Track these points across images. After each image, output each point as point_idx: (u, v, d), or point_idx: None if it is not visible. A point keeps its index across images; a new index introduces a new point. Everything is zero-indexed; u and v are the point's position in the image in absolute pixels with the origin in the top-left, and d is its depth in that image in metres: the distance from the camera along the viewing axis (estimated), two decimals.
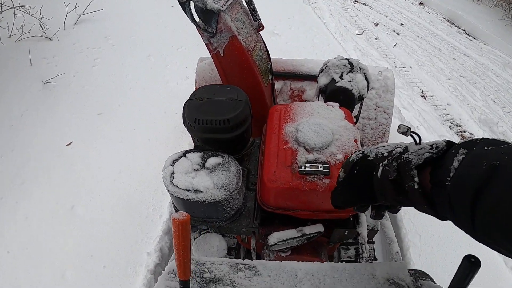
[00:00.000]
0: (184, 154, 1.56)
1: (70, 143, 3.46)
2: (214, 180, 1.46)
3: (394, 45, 6.12)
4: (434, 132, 3.98)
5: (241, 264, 1.09)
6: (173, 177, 1.47)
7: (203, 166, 1.52)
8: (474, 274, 0.77)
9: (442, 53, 6.19)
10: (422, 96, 4.76)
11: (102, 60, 4.73)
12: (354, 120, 1.86)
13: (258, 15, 2.09)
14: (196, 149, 1.65)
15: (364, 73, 2.08)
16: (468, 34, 7.23)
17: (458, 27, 7.53)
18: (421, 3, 8.41)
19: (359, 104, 2.22)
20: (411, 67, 5.49)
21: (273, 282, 1.02)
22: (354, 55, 5.54)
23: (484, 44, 6.93)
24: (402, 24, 7.18)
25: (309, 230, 1.60)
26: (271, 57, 2.48)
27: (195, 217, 1.60)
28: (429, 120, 4.20)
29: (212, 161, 1.52)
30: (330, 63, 2.11)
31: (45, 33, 5.06)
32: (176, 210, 1.67)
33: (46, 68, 4.48)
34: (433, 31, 7.09)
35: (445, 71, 5.52)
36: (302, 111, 1.73)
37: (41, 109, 3.86)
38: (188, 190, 1.44)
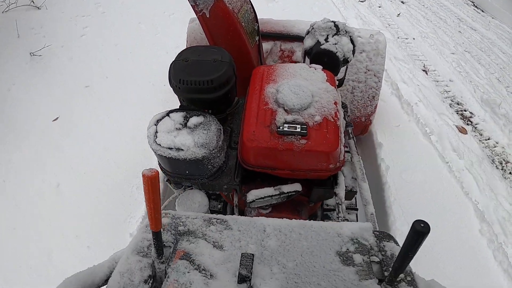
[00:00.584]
0: (168, 114, 1.62)
1: (57, 119, 3.41)
2: (195, 139, 1.52)
3: (398, 15, 5.80)
4: (433, 110, 3.76)
5: (214, 218, 1.15)
6: (156, 136, 1.55)
7: (185, 125, 1.58)
8: (423, 239, 0.78)
9: (448, 25, 5.88)
10: (424, 70, 4.49)
11: (91, 29, 4.55)
12: (337, 83, 1.90)
13: None
14: (180, 109, 1.69)
15: (350, 36, 2.09)
16: (476, 6, 6.89)
17: None
18: None
19: (345, 67, 2.23)
20: (414, 38, 5.20)
21: (242, 236, 1.08)
22: (355, 23, 5.23)
23: (492, 18, 6.61)
24: None
25: (287, 188, 1.69)
26: (263, 19, 2.46)
27: (178, 174, 1.69)
28: (429, 96, 3.96)
29: (193, 120, 1.58)
30: (316, 25, 2.12)
31: (33, 2, 4.85)
32: (161, 168, 1.76)
33: (34, 39, 4.33)
34: (440, 1, 6.75)
35: (449, 44, 5.24)
36: (284, 72, 1.77)
37: (28, 84, 3.77)
38: (170, 149, 1.52)
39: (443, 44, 5.20)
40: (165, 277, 0.98)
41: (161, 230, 0.94)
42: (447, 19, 6.09)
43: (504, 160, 3.47)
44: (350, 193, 1.95)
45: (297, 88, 1.63)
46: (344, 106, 2.32)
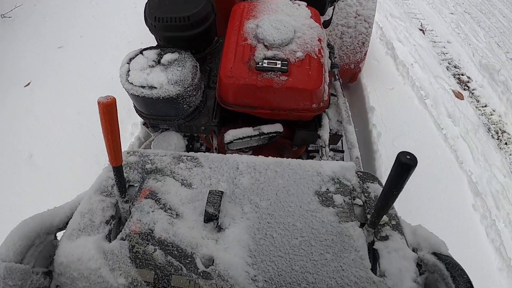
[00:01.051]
0: (141, 51, 1.56)
1: (29, 84, 3.18)
2: (168, 76, 1.46)
3: None
4: (429, 72, 3.49)
5: (184, 156, 1.09)
6: (128, 75, 1.48)
7: (158, 62, 1.52)
8: (408, 173, 0.70)
9: None
10: (421, 29, 4.19)
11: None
12: (322, 20, 1.81)
13: None
14: (155, 46, 1.62)
15: None
16: None
17: None
18: None
19: (332, 7, 2.13)
20: None
21: (212, 174, 1.03)
22: None
23: None
24: None
25: (267, 129, 1.63)
26: None
27: (153, 115, 1.62)
28: (426, 57, 3.68)
29: (167, 57, 1.52)
30: None
31: None
32: (136, 110, 1.69)
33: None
34: None
35: (448, 4, 4.92)
36: (266, 8, 1.68)
37: None
38: (143, 87, 1.46)
39: (442, 3, 4.88)
40: (129, 217, 0.94)
41: (122, 165, 0.88)
42: None
43: (500, 129, 3.26)
44: (335, 137, 1.88)
45: (278, 23, 1.55)
46: (330, 47, 2.23)
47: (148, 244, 0.88)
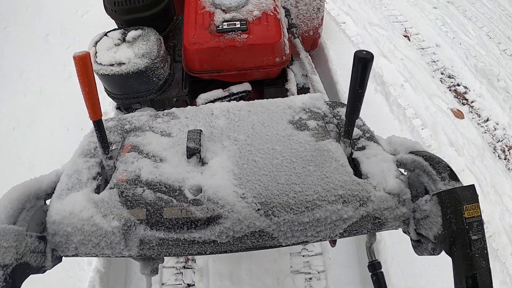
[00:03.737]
0: (105, 34, 1.69)
1: None
2: (135, 51, 1.59)
3: None
4: (422, 91, 3.36)
5: (160, 113, 1.21)
6: (96, 56, 1.59)
7: (123, 40, 1.65)
8: (367, 67, 0.78)
9: None
10: (405, 36, 4.03)
11: None
12: None
13: None
14: (117, 28, 1.75)
15: None
16: None
17: None
18: None
19: None
20: None
21: (189, 122, 1.15)
22: None
23: None
24: None
25: (236, 88, 1.77)
26: None
27: (125, 94, 1.73)
28: (416, 73, 3.54)
29: (132, 34, 1.65)
30: None
31: None
32: (108, 94, 1.80)
33: None
34: None
35: None
36: None
37: None
38: (112, 65, 1.57)
39: None
40: (114, 171, 1.01)
41: (102, 119, 0.93)
42: None
43: (506, 145, 3.16)
44: (303, 90, 2.01)
45: None
46: (286, 10, 2.40)
47: (136, 187, 0.95)
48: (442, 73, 3.68)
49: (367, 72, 0.79)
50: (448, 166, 0.87)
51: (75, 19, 4.06)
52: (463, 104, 3.42)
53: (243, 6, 1.69)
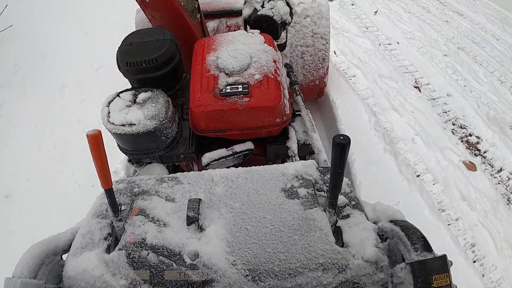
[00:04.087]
0: (118, 94, 1.81)
1: None
2: (145, 112, 1.71)
3: (375, 12, 5.42)
4: (434, 145, 3.44)
5: (166, 177, 1.32)
6: (109, 116, 1.72)
7: (134, 102, 1.77)
8: (345, 151, 0.89)
9: (432, 15, 5.57)
10: (416, 87, 4.16)
11: (8, 107, 4.05)
12: (277, 43, 2.11)
13: None
14: (129, 89, 1.87)
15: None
16: None
17: None
18: None
19: (285, 30, 2.42)
20: (398, 42, 4.86)
21: (191, 188, 1.26)
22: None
23: None
24: None
25: (239, 148, 1.86)
26: None
27: (136, 150, 1.86)
28: (427, 126, 3.64)
29: (142, 96, 1.77)
30: None
31: None
32: (121, 149, 1.93)
33: None
34: None
35: (439, 43, 4.91)
36: (224, 41, 1.97)
37: None
38: (123, 125, 1.68)
39: (432, 43, 4.87)
40: (123, 233, 1.13)
41: (113, 187, 1.05)
42: (430, 6, 5.80)
43: None
44: (304, 146, 2.11)
45: (236, 52, 1.83)
46: (288, 66, 2.55)
47: (142, 250, 1.07)
48: (453, 124, 3.79)
49: (345, 154, 0.90)
50: (422, 237, 0.96)
51: (90, 73, 4.34)
52: (475, 155, 3.50)
53: (245, 70, 1.78)
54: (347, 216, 1.14)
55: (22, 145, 3.61)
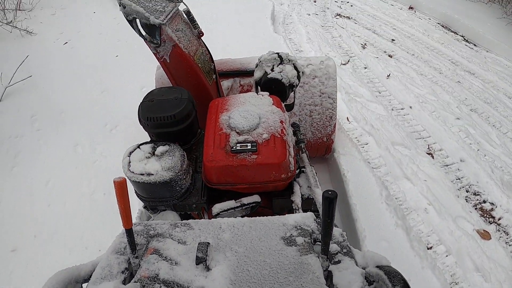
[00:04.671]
0: (138, 146, 2.03)
1: None
2: (162, 164, 1.91)
3: (388, 76, 5.70)
4: (447, 214, 3.58)
5: (179, 223, 1.49)
6: (130, 165, 1.93)
7: (153, 154, 1.99)
8: (333, 204, 1.06)
9: (444, 76, 5.80)
10: (429, 153, 4.32)
11: (23, 157, 4.33)
12: (284, 105, 2.32)
13: (197, 23, 2.64)
14: (149, 141, 2.09)
15: (293, 63, 2.59)
16: (467, 41, 6.90)
17: (455, 32, 7.19)
18: (411, 7, 7.97)
19: (293, 91, 2.69)
20: (411, 107, 5.08)
21: (201, 233, 1.42)
22: (339, 97, 5.02)
23: (487, 52, 6.62)
24: (393, 40, 6.79)
25: (247, 200, 2.04)
26: (222, 59, 3.46)
27: (152, 198, 2.06)
28: (440, 194, 3.79)
29: (160, 149, 1.99)
30: (262, 58, 2.63)
31: None
32: (138, 195, 2.13)
33: None
34: (429, 44, 6.72)
35: (451, 105, 5.12)
36: (236, 101, 2.20)
37: None
38: (142, 174, 1.89)
39: (444, 107, 5.08)
40: (138, 268, 1.28)
41: (132, 228, 1.22)
42: (442, 67, 6.02)
43: None
44: (308, 201, 2.27)
45: (246, 113, 2.05)
46: (295, 125, 2.79)
47: (155, 283, 1.21)
48: (467, 191, 3.93)
49: (333, 207, 1.06)
50: (403, 280, 1.09)
51: (104, 132, 4.57)
52: (489, 222, 3.61)
53: (254, 129, 1.99)
54: (338, 261, 1.29)
55: (32, 200, 3.78)
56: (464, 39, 6.92)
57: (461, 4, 7.96)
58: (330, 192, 1.03)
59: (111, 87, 5.39)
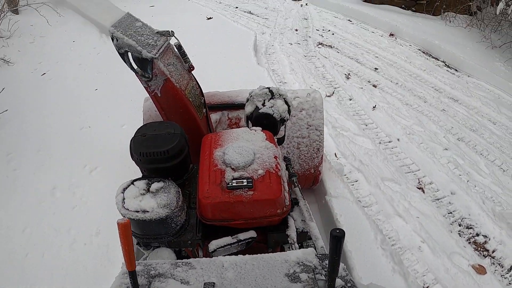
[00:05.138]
0: (132, 182, 2.00)
1: None
2: (157, 201, 1.90)
3: (374, 107, 5.83)
4: (441, 251, 3.66)
5: (180, 262, 1.49)
6: (124, 202, 1.90)
7: (148, 190, 1.97)
8: (341, 243, 1.09)
9: (429, 104, 5.98)
10: (419, 188, 4.41)
11: None
12: (276, 139, 2.37)
13: (188, 58, 2.71)
14: (142, 177, 2.07)
15: (284, 98, 2.66)
16: (448, 66, 7.15)
17: (436, 58, 7.42)
18: (391, 34, 8.20)
19: (283, 125, 2.75)
20: (398, 139, 5.19)
21: (204, 272, 1.41)
22: (326, 132, 5.14)
23: (468, 77, 6.86)
24: (376, 68, 6.98)
25: (243, 236, 2.05)
26: (210, 92, 3.48)
27: (147, 235, 2.02)
28: (433, 231, 3.87)
29: (155, 186, 1.97)
30: (253, 93, 2.67)
31: None
32: (132, 232, 2.09)
33: None
34: (411, 71, 6.93)
35: (438, 135, 5.27)
36: (229, 137, 2.24)
37: None
38: (137, 212, 1.86)
39: (432, 137, 5.22)
40: None
41: (135, 270, 1.23)
42: (426, 95, 6.20)
43: None
44: (302, 234, 2.28)
45: (241, 149, 2.09)
46: (287, 159, 2.81)
47: None
48: (459, 225, 4.02)
49: (341, 245, 1.10)
50: None
51: (83, 174, 4.35)
52: (484, 256, 3.69)
53: (249, 165, 2.02)
54: None
55: (8, 250, 3.55)
56: (446, 64, 7.13)
57: (440, 30, 8.24)
58: (338, 231, 1.08)
59: (90, 124, 5.26)
